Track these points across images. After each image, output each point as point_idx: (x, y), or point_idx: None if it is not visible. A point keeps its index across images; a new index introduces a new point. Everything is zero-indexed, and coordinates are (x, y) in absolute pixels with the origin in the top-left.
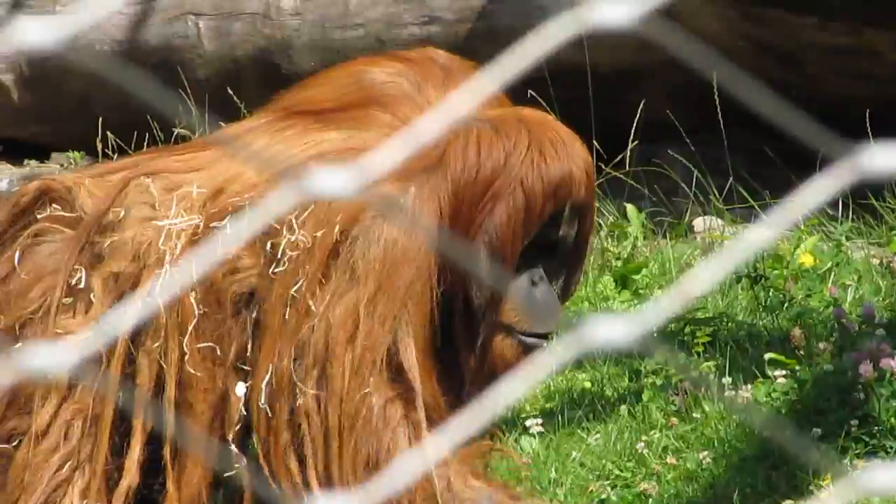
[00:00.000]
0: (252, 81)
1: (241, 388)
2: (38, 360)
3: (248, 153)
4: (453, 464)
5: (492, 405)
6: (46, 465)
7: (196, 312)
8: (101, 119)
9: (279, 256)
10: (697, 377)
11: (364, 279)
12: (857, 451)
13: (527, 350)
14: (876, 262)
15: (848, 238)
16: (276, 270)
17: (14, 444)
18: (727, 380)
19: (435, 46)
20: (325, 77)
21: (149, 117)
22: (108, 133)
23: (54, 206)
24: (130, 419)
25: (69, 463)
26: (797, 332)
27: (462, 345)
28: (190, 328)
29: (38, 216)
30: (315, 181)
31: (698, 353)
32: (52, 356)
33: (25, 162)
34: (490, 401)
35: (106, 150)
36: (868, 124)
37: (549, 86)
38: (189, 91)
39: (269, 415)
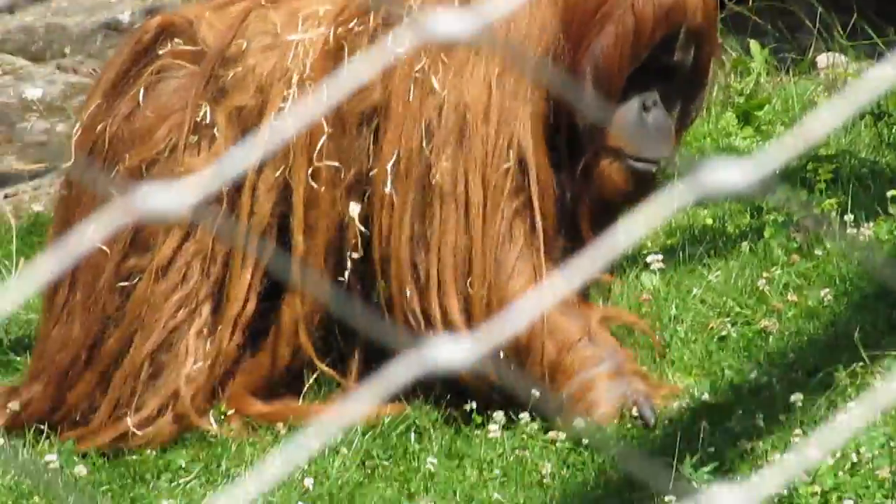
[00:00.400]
0: None
1: (354, 208)
2: (158, 200)
3: None
4: (576, 308)
5: (613, 243)
6: (164, 306)
7: (326, 130)
8: None
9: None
10: (819, 215)
11: (490, 56)
12: None
13: (636, 174)
14: None
15: None
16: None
17: (134, 281)
18: (849, 217)
19: None
20: None
21: None
22: None
23: (176, 40)
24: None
25: (186, 305)
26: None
27: (566, 168)
28: (320, 144)
29: (160, 52)
30: None
31: (820, 191)
32: (172, 197)
33: None
34: (611, 239)
35: None
36: None
37: None
38: None
39: (394, 200)
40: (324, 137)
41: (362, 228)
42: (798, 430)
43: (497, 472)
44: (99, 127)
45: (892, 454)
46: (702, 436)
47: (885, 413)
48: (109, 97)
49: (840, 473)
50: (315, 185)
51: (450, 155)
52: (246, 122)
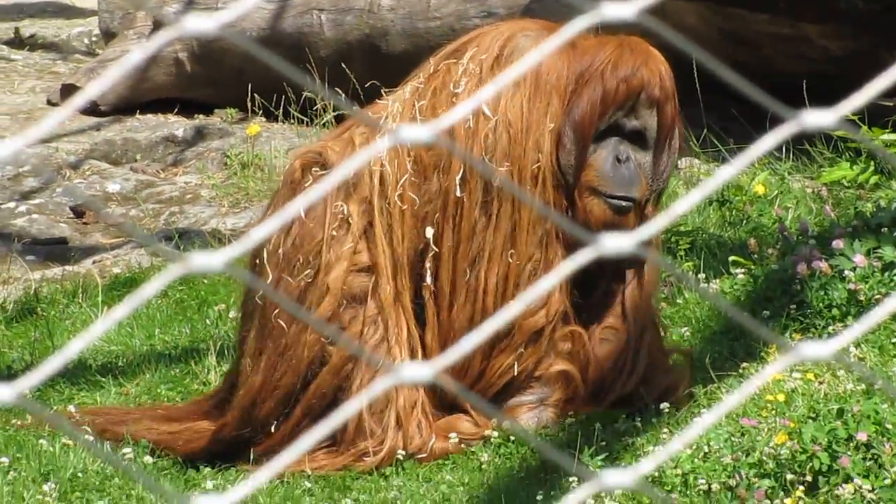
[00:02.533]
0: (359, 59)
1: (429, 231)
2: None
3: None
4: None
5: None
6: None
7: (409, 170)
8: (250, 85)
9: (458, 82)
10: (680, 273)
11: (523, 82)
12: (794, 328)
13: (612, 209)
14: (809, 191)
15: (789, 173)
16: (455, 91)
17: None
18: (702, 275)
19: None
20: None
21: (284, 84)
22: (256, 95)
23: (314, 170)
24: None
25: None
26: (752, 241)
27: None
28: (403, 180)
29: (305, 184)
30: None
31: (681, 256)
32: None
33: (195, 116)
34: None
35: (254, 109)
36: (804, 92)
37: None
38: (313, 66)
39: (466, 202)
40: (406, 176)
41: (435, 248)
42: (665, 430)
43: (448, 460)
44: (280, 248)
45: (733, 446)
46: (596, 434)
47: (727, 416)
48: (281, 226)
49: (695, 460)
50: (402, 205)
51: (504, 162)
52: (371, 210)
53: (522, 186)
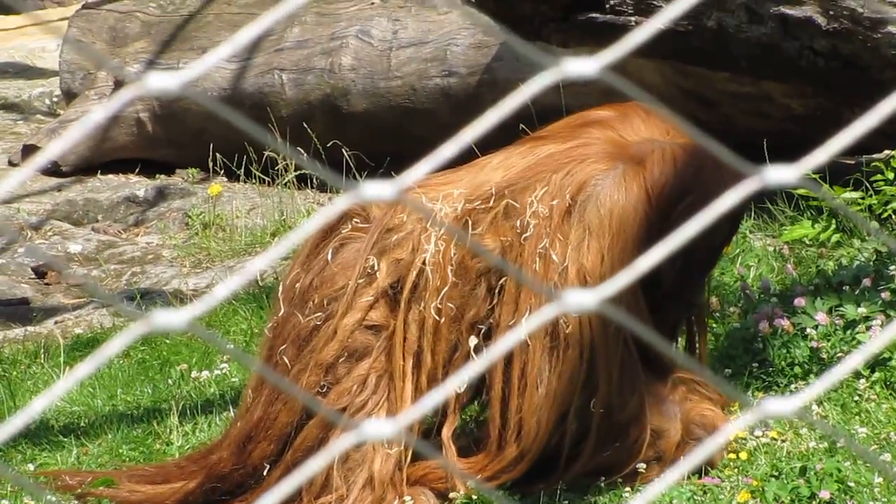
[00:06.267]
0: (320, 118)
1: (473, 340)
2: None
3: (486, 171)
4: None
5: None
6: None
7: (450, 280)
8: (211, 145)
9: (525, 226)
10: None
11: (600, 231)
12: (756, 386)
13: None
14: (771, 249)
15: (751, 231)
16: (525, 236)
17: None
18: None
19: (451, 94)
20: (556, 122)
21: (246, 144)
22: (217, 155)
23: (354, 220)
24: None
25: (368, 411)
26: (714, 299)
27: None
28: (444, 291)
29: (343, 231)
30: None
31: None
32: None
33: (156, 176)
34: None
35: (215, 168)
36: (765, 150)
37: (535, 121)
38: (275, 125)
39: (528, 345)
40: (448, 286)
41: (474, 356)
42: (628, 488)
43: None
44: (297, 284)
45: None
46: (559, 492)
47: (689, 475)
48: (305, 263)
49: None
50: (438, 319)
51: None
52: (401, 270)
53: (601, 334)
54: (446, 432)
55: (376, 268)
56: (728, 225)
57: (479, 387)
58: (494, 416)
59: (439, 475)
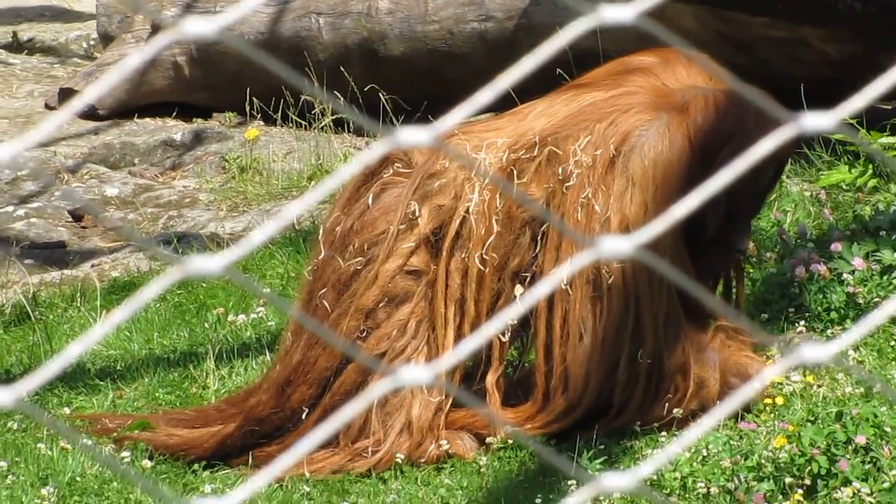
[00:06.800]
0: (357, 63)
1: (519, 289)
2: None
3: (530, 119)
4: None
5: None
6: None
7: (495, 230)
8: (248, 89)
9: (569, 174)
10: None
11: (644, 182)
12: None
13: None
14: (808, 194)
15: (788, 176)
16: (567, 185)
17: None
18: None
19: (488, 38)
20: (598, 67)
21: (283, 88)
22: (254, 99)
23: (395, 165)
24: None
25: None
26: (751, 244)
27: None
28: (489, 241)
29: (384, 175)
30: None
31: None
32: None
33: (193, 120)
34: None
35: (252, 112)
36: (802, 96)
37: (572, 66)
38: (311, 69)
39: (569, 290)
40: (493, 236)
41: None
42: (664, 433)
43: (447, 464)
44: (338, 227)
45: (731, 449)
46: (595, 437)
47: (726, 420)
48: (345, 207)
49: (694, 464)
50: (483, 269)
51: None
52: (442, 217)
53: (646, 284)
54: (490, 379)
55: (418, 213)
56: (773, 169)
57: (524, 335)
58: (539, 364)
59: (483, 422)
